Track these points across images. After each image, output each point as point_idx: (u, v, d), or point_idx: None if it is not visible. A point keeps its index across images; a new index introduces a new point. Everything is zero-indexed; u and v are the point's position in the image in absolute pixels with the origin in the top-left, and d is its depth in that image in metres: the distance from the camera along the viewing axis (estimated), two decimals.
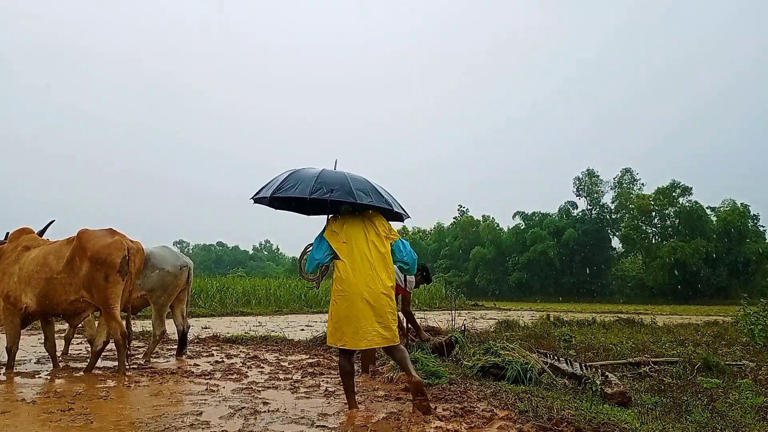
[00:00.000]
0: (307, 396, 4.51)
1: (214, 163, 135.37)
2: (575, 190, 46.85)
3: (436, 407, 3.93)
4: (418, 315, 12.16)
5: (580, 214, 46.92)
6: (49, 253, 5.45)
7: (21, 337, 5.69)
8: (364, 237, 3.89)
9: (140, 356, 6.60)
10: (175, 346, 7.14)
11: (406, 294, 6.05)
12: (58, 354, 6.05)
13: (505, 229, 50.81)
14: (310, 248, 4.06)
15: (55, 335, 5.93)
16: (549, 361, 5.58)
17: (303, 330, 10.93)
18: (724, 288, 37.56)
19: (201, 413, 3.81)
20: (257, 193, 4.06)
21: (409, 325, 6.42)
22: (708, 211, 40.84)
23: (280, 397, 4.39)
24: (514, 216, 49.32)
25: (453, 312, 11.79)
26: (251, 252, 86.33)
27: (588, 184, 46.03)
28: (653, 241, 42.58)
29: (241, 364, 6.18)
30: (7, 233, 5.88)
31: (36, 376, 5.30)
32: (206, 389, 4.69)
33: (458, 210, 55.79)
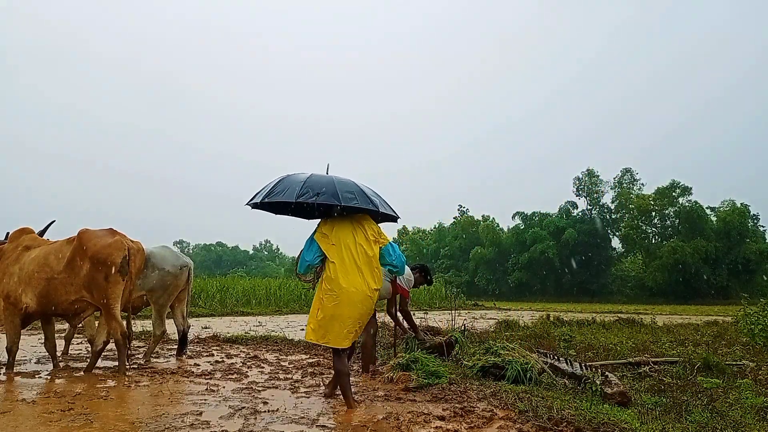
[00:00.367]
0: (307, 396, 4.51)
1: (214, 163, 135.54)
2: (575, 190, 46.83)
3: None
4: (417, 315, 12.17)
5: (580, 214, 46.91)
6: (49, 253, 5.45)
7: (21, 337, 5.69)
8: (353, 240, 4.02)
9: (140, 356, 6.60)
10: (175, 346, 7.14)
11: (405, 293, 6.06)
12: (59, 354, 6.06)
13: (505, 229, 50.82)
14: None
15: (56, 335, 5.94)
16: (549, 361, 5.58)
17: (303, 330, 10.91)
18: (724, 288, 37.52)
19: (201, 413, 3.81)
20: (251, 199, 4.20)
21: (407, 326, 6.43)
22: (708, 211, 40.79)
23: (280, 397, 4.40)
24: (513, 216, 49.29)
25: (453, 312, 11.80)
26: (251, 252, 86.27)
27: (588, 184, 45.98)
28: (653, 241, 42.55)
29: (241, 364, 6.18)
30: (8, 233, 5.89)
31: (36, 376, 5.30)
32: (206, 389, 4.70)
33: (458, 210, 55.78)
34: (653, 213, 42.36)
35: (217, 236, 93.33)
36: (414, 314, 7.73)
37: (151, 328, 6.70)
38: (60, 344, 6.57)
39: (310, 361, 6.54)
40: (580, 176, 46.25)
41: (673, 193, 41.52)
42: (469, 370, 5.34)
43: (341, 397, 4.18)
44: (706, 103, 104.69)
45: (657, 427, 3.54)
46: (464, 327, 7.63)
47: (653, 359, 6.35)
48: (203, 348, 7.63)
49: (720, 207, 40.91)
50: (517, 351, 5.48)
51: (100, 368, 5.65)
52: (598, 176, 45.78)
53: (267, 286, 20.32)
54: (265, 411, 3.91)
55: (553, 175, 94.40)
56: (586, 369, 5.23)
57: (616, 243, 46.33)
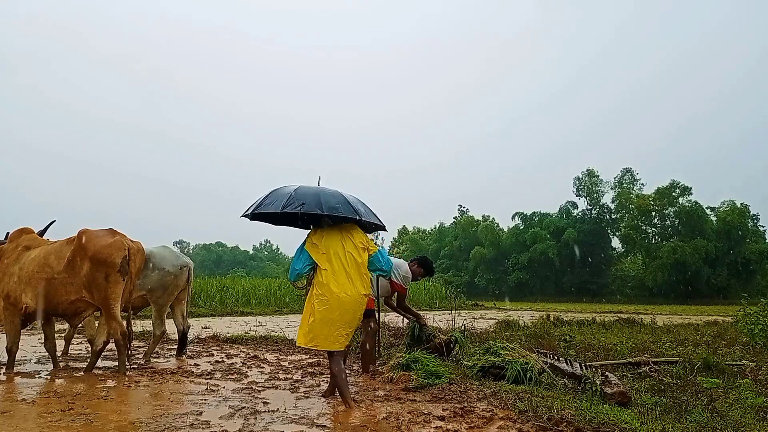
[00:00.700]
0: (307, 396, 4.51)
1: (214, 164, 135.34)
2: (575, 190, 46.84)
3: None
4: None
5: (580, 214, 46.91)
6: (49, 253, 5.46)
7: (21, 337, 5.69)
8: (342, 248, 4.18)
9: (140, 356, 6.60)
10: (175, 346, 7.14)
11: (402, 290, 6.09)
12: (59, 354, 6.06)
13: (505, 229, 50.83)
14: None
15: (56, 335, 5.94)
16: (549, 361, 5.58)
17: None
18: (724, 288, 37.53)
19: (201, 413, 3.81)
20: (246, 211, 4.39)
21: (410, 316, 6.46)
22: (708, 211, 40.80)
23: (280, 397, 4.40)
24: (513, 216, 49.32)
25: (453, 312, 11.77)
26: (251, 252, 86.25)
27: (588, 184, 45.99)
28: (653, 241, 42.55)
29: (241, 364, 6.18)
30: (8, 233, 5.89)
31: (36, 376, 5.30)
32: (206, 389, 4.70)
33: (458, 210, 55.83)
34: (653, 213, 42.37)
35: (217, 236, 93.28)
36: None
37: (151, 328, 6.70)
38: (60, 344, 6.57)
39: (310, 361, 6.54)
40: (580, 176, 46.27)
41: (673, 193, 41.54)
42: (469, 370, 5.34)
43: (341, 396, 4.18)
44: (706, 103, 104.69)
45: (657, 427, 3.54)
46: (464, 327, 7.64)
47: (653, 359, 6.35)
48: (203, 348, 7.64)
49: (720, 207, 40.92)
50: (517, 351, 5.47)
51: (100, 368, 5.65)
52: (598, 176, 45.80)
53: (267, 286, 20.35)
54: (265, 411, 3.91)
55: (553, 175, 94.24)
56: (586, 369, 5.23)
57: (616, 243, 46.40)
